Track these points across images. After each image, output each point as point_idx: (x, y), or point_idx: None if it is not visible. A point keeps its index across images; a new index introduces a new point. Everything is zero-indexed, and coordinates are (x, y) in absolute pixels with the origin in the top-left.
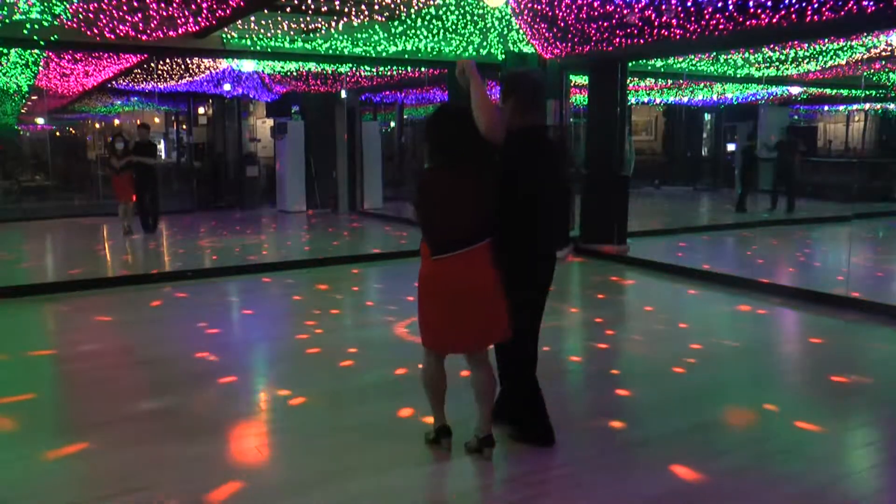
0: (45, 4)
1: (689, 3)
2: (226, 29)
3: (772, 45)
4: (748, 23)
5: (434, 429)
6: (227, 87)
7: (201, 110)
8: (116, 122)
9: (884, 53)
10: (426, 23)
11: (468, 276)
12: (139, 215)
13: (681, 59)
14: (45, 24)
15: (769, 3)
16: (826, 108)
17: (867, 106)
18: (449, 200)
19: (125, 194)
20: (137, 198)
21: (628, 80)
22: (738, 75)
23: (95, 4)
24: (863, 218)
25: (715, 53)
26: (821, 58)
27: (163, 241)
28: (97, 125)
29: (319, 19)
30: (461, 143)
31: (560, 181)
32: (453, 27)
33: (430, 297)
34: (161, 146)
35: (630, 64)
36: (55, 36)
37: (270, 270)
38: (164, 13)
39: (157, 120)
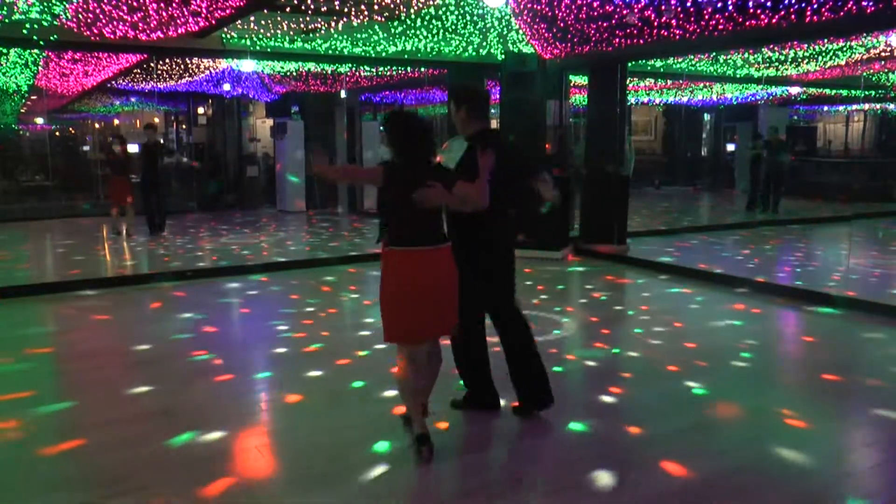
0: (45, 4)
1: (688, 3)
2: (226, 29)
3: (772, 46)
4: (748, 23)
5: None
6: (227, 87)
7: (201, 110)
8: (116, 121)
9: (883, 53)
10: (426, 23)
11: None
12: (146, 216)
13: (681, 59)
14: (45, 24)
15: (769, 3)
16: (826, 108)
17: (867, 106)
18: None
19: (123, 196)
20: (145, 199)
21: (628, 80)
22: (738, 75)
23: (95, 4)
24: (863, 218)
25: (715, 53)
26: (821, 58)
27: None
28: (97, 125)
29: (319, 19)
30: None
31: (515, 178)
32: (453, 27)
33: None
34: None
35: (630, 64)
36: (55, 36)
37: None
38: (164, 13)
39: (156, 120)
